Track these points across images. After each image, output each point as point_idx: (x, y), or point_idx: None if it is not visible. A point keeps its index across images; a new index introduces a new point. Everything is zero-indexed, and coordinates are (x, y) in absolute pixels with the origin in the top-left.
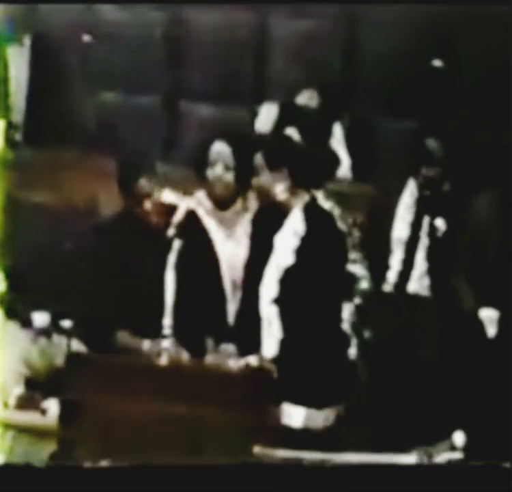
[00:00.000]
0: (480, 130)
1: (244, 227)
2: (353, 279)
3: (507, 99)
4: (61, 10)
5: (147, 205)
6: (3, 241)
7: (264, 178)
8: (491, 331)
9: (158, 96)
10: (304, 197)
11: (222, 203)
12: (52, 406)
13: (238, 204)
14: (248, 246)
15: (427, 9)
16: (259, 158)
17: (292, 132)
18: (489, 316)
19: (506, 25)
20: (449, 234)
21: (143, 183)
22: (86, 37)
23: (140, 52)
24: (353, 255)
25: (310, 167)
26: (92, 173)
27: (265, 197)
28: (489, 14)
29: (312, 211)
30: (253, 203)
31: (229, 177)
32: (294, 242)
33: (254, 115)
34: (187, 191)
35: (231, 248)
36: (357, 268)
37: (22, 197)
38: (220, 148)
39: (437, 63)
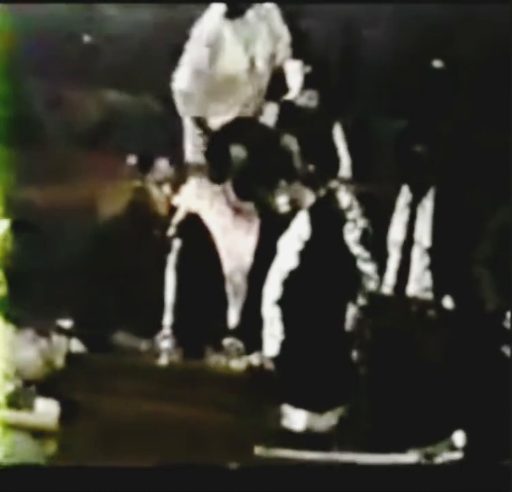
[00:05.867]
0: (479, 131)
1: (255, 226)
2: (359, 279)
3: (507, 99)
4: (61, 10)
5: (166, 189)
6: (2, 241)
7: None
8: None
9: (158, 95)
10: (310, 198)
11: (245, 195)
12: (45, 406)
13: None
14: (256, 248)
15: (427, 10)
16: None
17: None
18: None
19: (506, 25)
20: (457, 237)
21: (164, 164)
22: (86, 37)
23: (140, 52)
24: (363, 253)
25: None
26: (93, 173)
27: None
28: (489, 14)
29: (318, 213)
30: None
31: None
32: (298, 246)
33: (254, 115)
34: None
35: (240, 241)
36: (367, 267)
37: (22, 197)
38: (237, 152)
39: (437, 63)
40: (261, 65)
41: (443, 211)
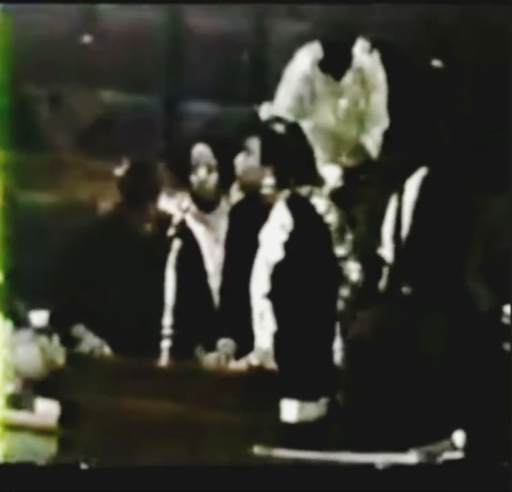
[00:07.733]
0: (479, 131)
1: (225, 228)
2: (343, 272)
3: (507, 99)
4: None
5: (151, 225)
6: (2, 241)
7: (254, 167)
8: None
9: (158, 95)
10: (285, 192)
11: (206, 206)
12: (45, 406)
13: (222, 205)
14: (226, 243)
15: (426, 9)
16: (255, 144)
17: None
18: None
19: (506, 25)
20: (448, 235)
21: (152, 207)
22: (86, 37)
23: (140, 52)
24: (343, 249)
25: (294, 167)
26: (92, 173)
27: (249, 187)
28: (489, 14)
29: (296, 204)
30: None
31: (213, 179)
32: (282, 237)
33: (254, 115)
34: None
35: (215, 250)
36: (348, 262)
37: (22, 197)
38: (201, 150)
39: (436, 63)
40: (347, 126)
41: (435, 211)
